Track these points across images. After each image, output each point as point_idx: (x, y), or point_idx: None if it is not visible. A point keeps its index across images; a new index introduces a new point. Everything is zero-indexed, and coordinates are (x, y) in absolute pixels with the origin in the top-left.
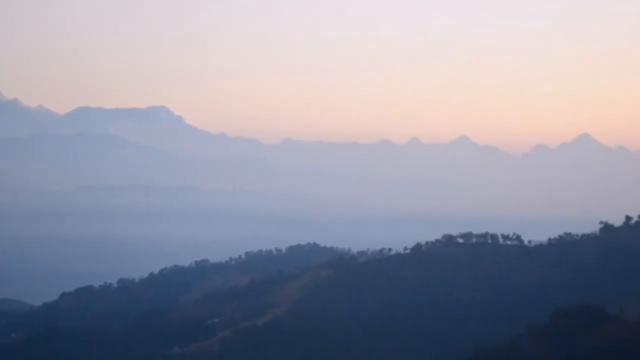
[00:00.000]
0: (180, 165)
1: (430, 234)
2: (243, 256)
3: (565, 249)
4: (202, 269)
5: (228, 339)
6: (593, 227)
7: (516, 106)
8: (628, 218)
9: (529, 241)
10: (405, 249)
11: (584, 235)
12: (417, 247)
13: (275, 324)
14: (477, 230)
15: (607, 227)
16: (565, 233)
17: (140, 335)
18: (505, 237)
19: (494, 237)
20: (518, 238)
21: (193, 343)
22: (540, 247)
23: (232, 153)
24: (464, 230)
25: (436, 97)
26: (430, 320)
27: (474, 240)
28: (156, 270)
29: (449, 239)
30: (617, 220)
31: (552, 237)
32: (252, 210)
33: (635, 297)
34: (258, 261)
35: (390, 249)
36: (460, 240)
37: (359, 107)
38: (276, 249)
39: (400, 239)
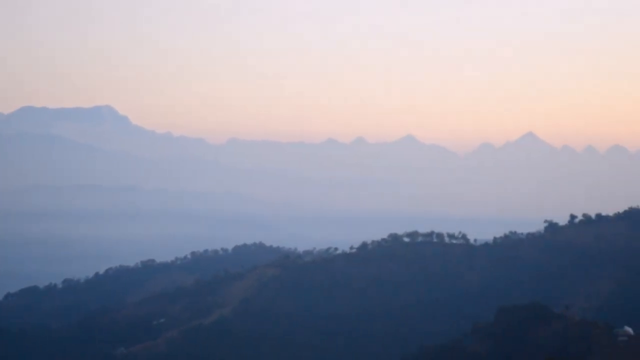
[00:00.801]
0: (125, 165)
1: (376, 233)
2: (189, 256)
3: (510, 248)
4: (148, 269)
5: (174, 339)
6: (538, 226)
7: (462, 105)
8: (573, 217)
9: (475, 240)
10: (352, 248)
11: (529, 234)
12: (363, 247)
13: (221, 324)
14: (423, 229)
15: (552, 226)
16: (511, 232)
17: (85, 335)
18: (451, 236)
19: (439, 236)
20: (464, 237)
21: (139, 343)
22: (485, 246)
23: (178, 153)
24: (409, 229)
25: (382, 97)
26: (376, 319)
27: (419, 239)
28: (102, 271)
29: (394, 238)
30: (562, 219)
31: (497, 235)
32: (198, 210)
33: (580, 295)
34: (204, 261)
35: (336, 248)
36: (406, 240)
37: (304, 107)
38: (222, 248)
39: (346, 238)
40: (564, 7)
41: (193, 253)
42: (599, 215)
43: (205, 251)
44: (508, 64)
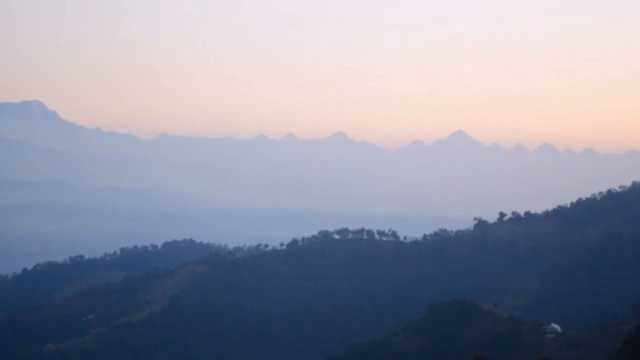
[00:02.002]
0: (54, 161)
1: (306, 230)
2: (118, 252)
3: (440, 245)
4: (77, 265)
5: (103, 336)
6: (468, 224)
7: (392, 102)
8: (502, 215)
9: (405, 237)
10: (282, 244)
11: (458, 232)
12: (293, 243)
13: (151, 320)
14: (354, 226)
15: (481, 224)
16: (440, 229)
17: (12, 332)
18: (381, 233)
19: (369, 233)
20: (394, 234)
21: (67, 340)
22: (415, 243)
23: (108, 148)
24: (340, 226)
25: (313, 94)
26: (306, 315)
27: (350, 236)
28: (30, 267)
29: (325, 235)
30: (492, 217)
31: (427, 232)
32: (127, 206)
33: (509, 292)
34: (134, 257)
35: (266, 245)
36: (337, 236)
37: (235, 102)
38: (152, 245)
39: (276, 234)
40: (483, 5)
41: (123, 249)
42: (527, 213)
43: (135, 247)
44: (439, 63)
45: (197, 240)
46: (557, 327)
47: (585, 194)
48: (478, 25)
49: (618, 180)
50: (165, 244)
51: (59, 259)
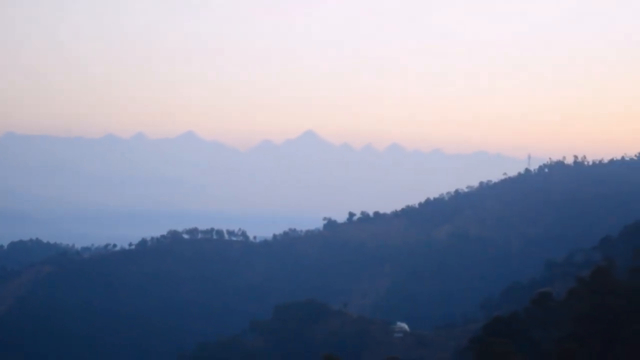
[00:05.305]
0: None
1: (156, 230)
2: None
3: (289, 245)
4: None
5: None
6: (317, 224)
7: (243, 102)
8: (351, 214)
9: (254, 237)
10: (130, 245)
11: (308, 232)
12: (142, 243)
13: None
14: (204, 226)
15: (330, 223)
16: (290, 229)
17: None
18: (231, 233)
19: (219, 232)
20: (243, 234)
21: None
22: (265, 243)
23: None
24: (190, 226)
25: (162, 92)
26: (155, 315)
27: (199, 236)
28: None
29: (174, 235)
30: (341, 217)
31: (277, 233)
32: None
33: (358, 291)
34: None
35: (115, 245)
36: (186, 236)
37: (84, 101)
38: None
39: (125, 235)
40: (336, 14)
41: None
42: (376, 213)
43: None
44: (289, 62)
45: (44, 240)
46: (405, 326)
47: (434, 194)
48: (329, 27)
49: (465, 180)
50: (11, 244)
51: None
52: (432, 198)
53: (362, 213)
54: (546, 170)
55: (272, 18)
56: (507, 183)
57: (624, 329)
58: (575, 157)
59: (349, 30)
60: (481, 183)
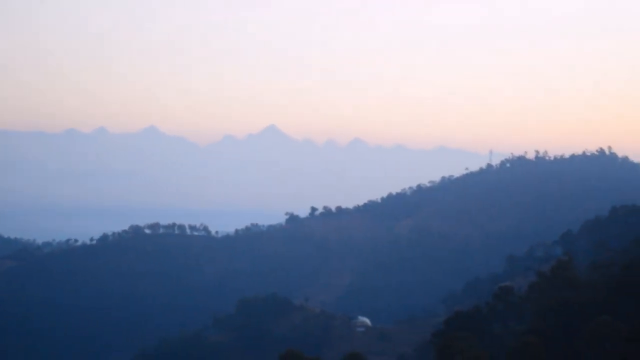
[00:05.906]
0: None
1: (118, 225)
2: None
3: (251, 240)
4: None
5: None
6: (279, 218)
7: (204, 97)
8: (313, 209)
9: (217, 232)
10: (92, 239)
11: (270, 226)
12: (104, 238)
13: None
14: (166, 221)
15: (292, 218)
16: (252, 224)
17: None
18: (193, 228)
19: (181, 227)
20: (205, 228)
21: None
22: (227, 238)
23: None
24: (152, 221)
25: (124, 86)
26: (116, 309)
27: (161, 230)
28: None
29: (136, 230)
30: (303, 212)
31: (238, 227)
32: None
33: (320, 286)
34: None
35: (76, 240)
36: (148, 231)
37: (45, 95)
38: None
39: (87, 229)
40: (298, 12)
41: None
42: (339, 208)
43: None
44: (251, 58)
45: (5, 235)
46: (367, 320)
47: (396, 189)
48: (289, 23)
49: (428, 175)
50: None
51: None
52: (394, 193)
53: (325, 208)
54: (508, 165)
55: (234, 13)
56: (469, 178)
57: (584, 322)
58: (537, 152)
59: (309, 26)
60: (443, 178)
